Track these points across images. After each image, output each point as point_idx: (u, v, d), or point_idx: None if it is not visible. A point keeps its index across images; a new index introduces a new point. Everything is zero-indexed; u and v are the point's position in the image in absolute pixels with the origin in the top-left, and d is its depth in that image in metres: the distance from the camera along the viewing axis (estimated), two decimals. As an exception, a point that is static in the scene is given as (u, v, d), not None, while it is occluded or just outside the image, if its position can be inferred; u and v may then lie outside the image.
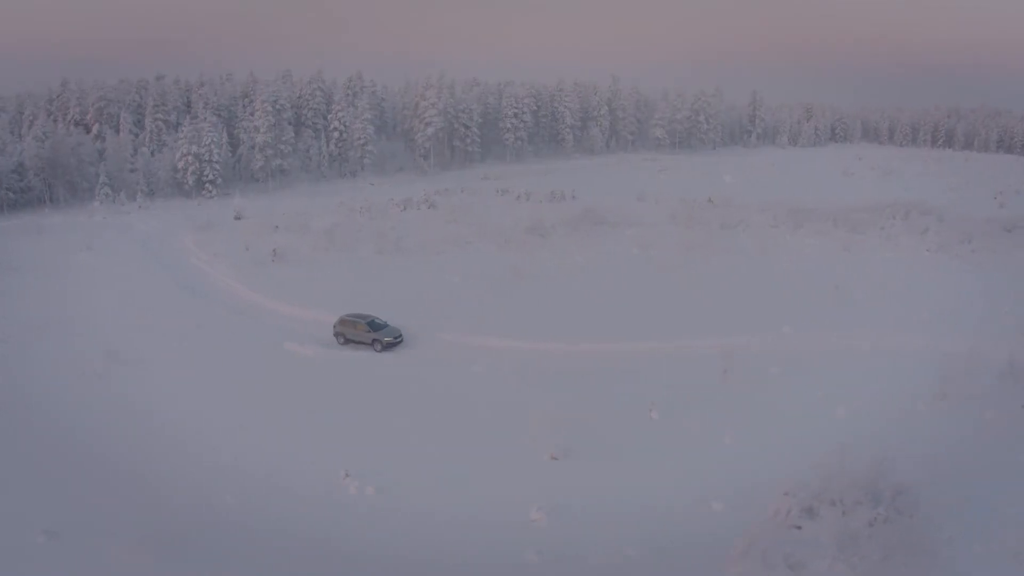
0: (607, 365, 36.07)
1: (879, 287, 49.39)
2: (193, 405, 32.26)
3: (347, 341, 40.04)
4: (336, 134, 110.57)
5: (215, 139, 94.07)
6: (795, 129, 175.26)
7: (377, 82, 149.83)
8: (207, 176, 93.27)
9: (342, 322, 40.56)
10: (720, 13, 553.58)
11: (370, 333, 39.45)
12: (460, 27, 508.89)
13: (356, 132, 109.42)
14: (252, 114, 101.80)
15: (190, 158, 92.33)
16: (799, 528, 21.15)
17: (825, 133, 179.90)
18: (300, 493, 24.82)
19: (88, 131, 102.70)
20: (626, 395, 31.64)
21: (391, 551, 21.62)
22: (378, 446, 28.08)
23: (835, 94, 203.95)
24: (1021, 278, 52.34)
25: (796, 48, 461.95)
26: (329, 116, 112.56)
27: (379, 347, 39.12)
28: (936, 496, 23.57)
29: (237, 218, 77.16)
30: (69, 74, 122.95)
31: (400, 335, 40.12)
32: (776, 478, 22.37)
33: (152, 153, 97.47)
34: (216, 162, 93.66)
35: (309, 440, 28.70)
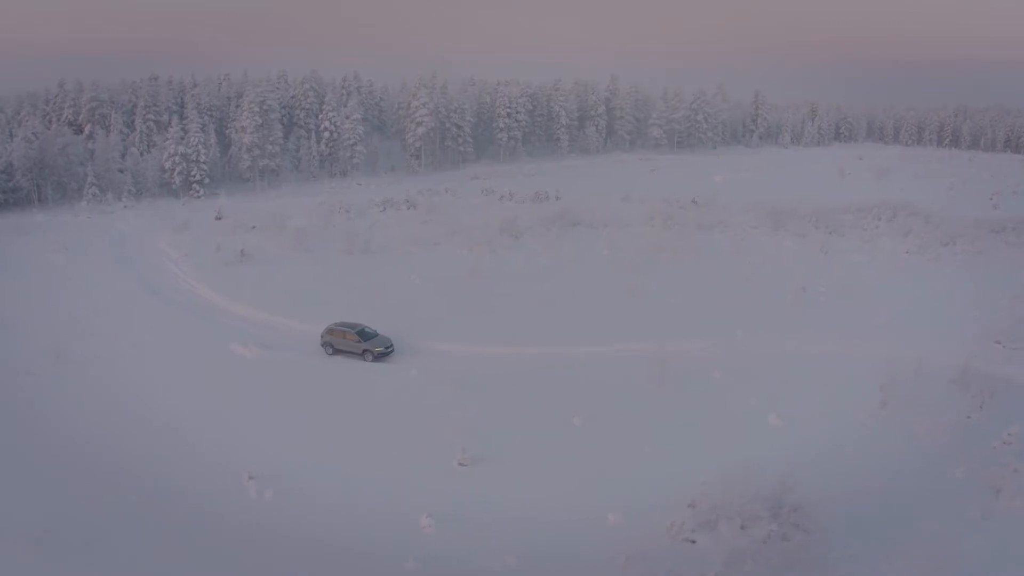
0: (546, 368, 35.57)
1: (847, 291, 48.38)
2: (125, 405, 32.10)
3: (336, 351, 37.93)
4: (327, 134, 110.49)
5: (202, 139, 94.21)
6: (798, 128, 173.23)
7: (376, 82, 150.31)
8: (194, 176, 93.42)
9: (330, 332, 38.53)
10: (723, 11, 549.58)
11: (360, 343, 37.56)
12: (469, 26, 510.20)
13: (346, 132, 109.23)
14: (240, 115, 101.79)
15: (177, 158, 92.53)
16: (693, 542, 20.54)
17: (829, 132, 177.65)
18: (202, 492, 24.59)
19: (80, 131, 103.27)
20: (555, 400, 31.09)
21: (277, 555, 21.20)
22: (293, 450, 27.76)
23: (840, 93, 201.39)
24: (998, 281, 51.02)
25: (800, 46, 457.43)
26: (320, 116, 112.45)
27: (370, 357, 37.19)
28: (850, 511, 22.94)
29: (218, 218, 77.11)
30: (74, 74, 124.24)
31: (391, 344, 38.12)
32: (685, 490, 21.67)
33: (141, 153, 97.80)
34: (203, 162, 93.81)
35: (227, 441, 28.41)
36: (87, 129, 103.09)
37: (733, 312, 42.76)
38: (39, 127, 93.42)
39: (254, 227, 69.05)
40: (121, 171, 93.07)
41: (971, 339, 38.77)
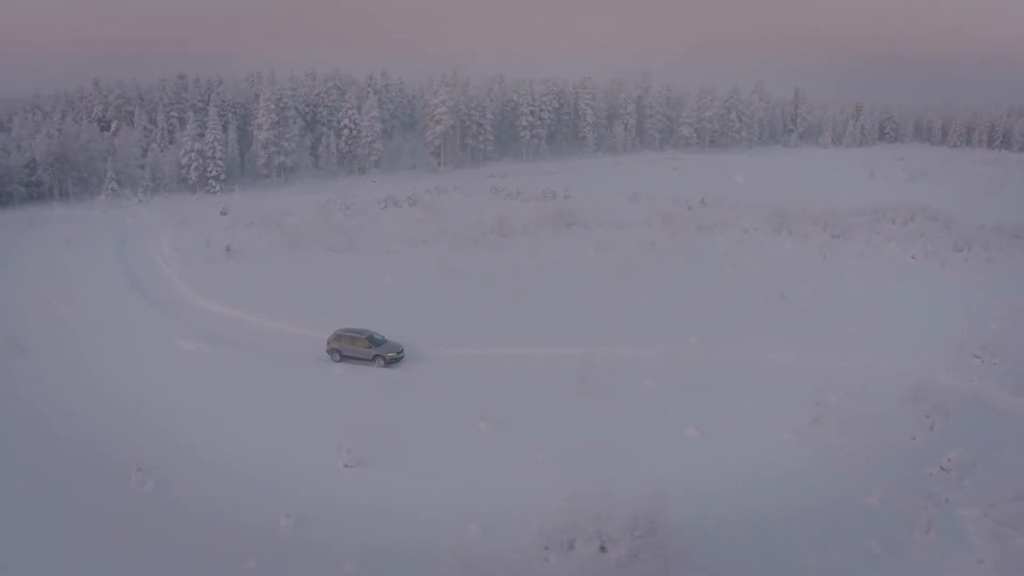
0: (474, 370, 34.87)
1: (833, 297, 45.96)
2: (54, 392, 32.67)
3: (343, 358, 36.52)
4: (346, 131, 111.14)
5: (219, 136, 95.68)
6: (840, 128, 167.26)
7: (409, 81, 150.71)
8: (210, 172, 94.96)
9: (337, 338, 36.99)
10: (764, 8, 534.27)
11: (371, 349, 36.17)
12: (502, 25, 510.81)
13: (364, 130, 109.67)
14: (258, 112, 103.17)
15: (193, 155, 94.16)
16: (545, 560, 19.29)
17: (873, 133, 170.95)
18: (87, 481, 24.75)
19: (107, 128, 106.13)
20: (471, 403, 30.10)
21: (139, 542, 21.12)
22: (189, 442, 27.63)
23: (886, 91, 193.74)
24: (1001, 290, 47.74)
25: (845, 42, 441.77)
26: (339, 114, 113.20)
27: (381, 363, 35.82)
28: (733, 537, 21.36)
29: (223, 213, 78.07)
30: (114, 72, 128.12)
31: (402, 350, 36.81)
32: (561, 503, 20.36)
33: (162, 149, 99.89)
34: (219, 159, 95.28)
35: (129, 431, 28.49)
36: (113, 125, 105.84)
37: (696, 317, 40.94)
38: (62, 123, 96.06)
39: (252, 223, 69.53)
40: (140, 167, 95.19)
41: (949, 351, 36.16)
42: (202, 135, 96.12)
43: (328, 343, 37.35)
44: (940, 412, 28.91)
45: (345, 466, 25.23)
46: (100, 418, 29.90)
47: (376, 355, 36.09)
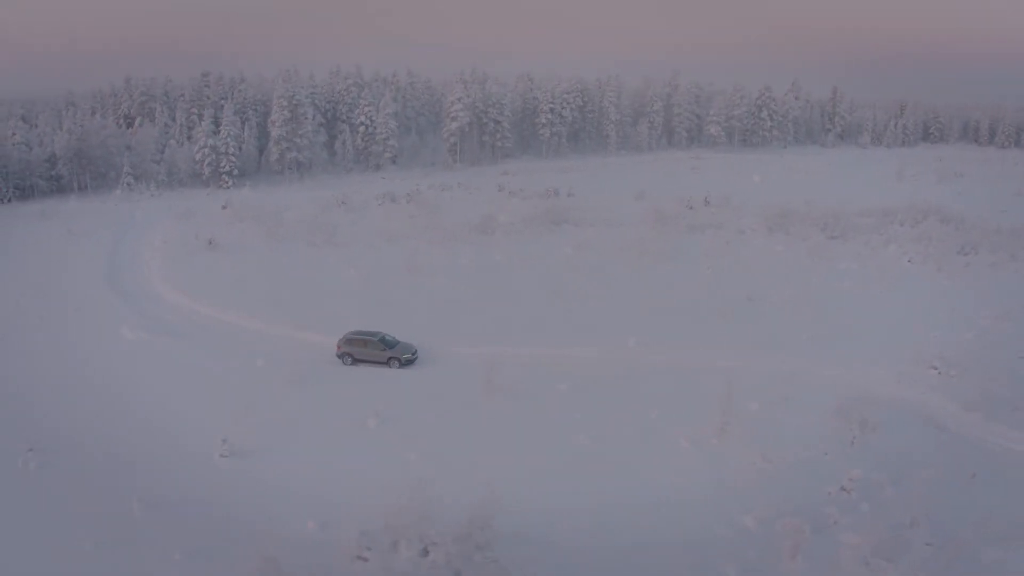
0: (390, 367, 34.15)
1: (803, 300, 43.57)
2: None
3: (356, 361, 35.04)
4: (362, 128, 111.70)
5: (233, 133, 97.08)
6: (880, 128, 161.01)
7: (436, 79, 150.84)
8: (223, 168, 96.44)
9: (349, 342, 35.35)
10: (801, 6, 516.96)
11: (386, 351, 34.81)
12: (531, 21, 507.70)
13: (380, 127, 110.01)
14: (272, 109, 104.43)
15: (207, 150, 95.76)
16: (365, 560, 18.44)
17: (916, 133, 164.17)
18: None
19: (131, 124, 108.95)
20: (371, 399, 29.41)
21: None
22: (88, 430, 27.70)
23: (934, 90, 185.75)
24: (991, 297, 44.71)
25: (887, 37, 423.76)
26: (356, 111, 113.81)
27: (396, 365, 34.47)
28: (576, 549, 20.03)
29: (224, 207, 79.09)
30: (147, 71, 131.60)
31: (415, 351, 35.54)
32: (401, 503, 19.42)
33: (180, 145, 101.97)
34: (232, 155, 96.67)
35: (30, 413, 28.66)
36: (136, 122, 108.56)
37: (648, 319, 39.32)
38: (84, 120, 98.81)
39: (247, 218, 70.16)
40: (156, 162, 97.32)
41: (905, 361, 33.77)
42: (217, 132, 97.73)
43: (339, 347, 35.43)
44: (865, 427, 26.81)
45: (221, 456, 24.89)
46: (11, 402, 30.26)
47: (391, 357, 34.59)
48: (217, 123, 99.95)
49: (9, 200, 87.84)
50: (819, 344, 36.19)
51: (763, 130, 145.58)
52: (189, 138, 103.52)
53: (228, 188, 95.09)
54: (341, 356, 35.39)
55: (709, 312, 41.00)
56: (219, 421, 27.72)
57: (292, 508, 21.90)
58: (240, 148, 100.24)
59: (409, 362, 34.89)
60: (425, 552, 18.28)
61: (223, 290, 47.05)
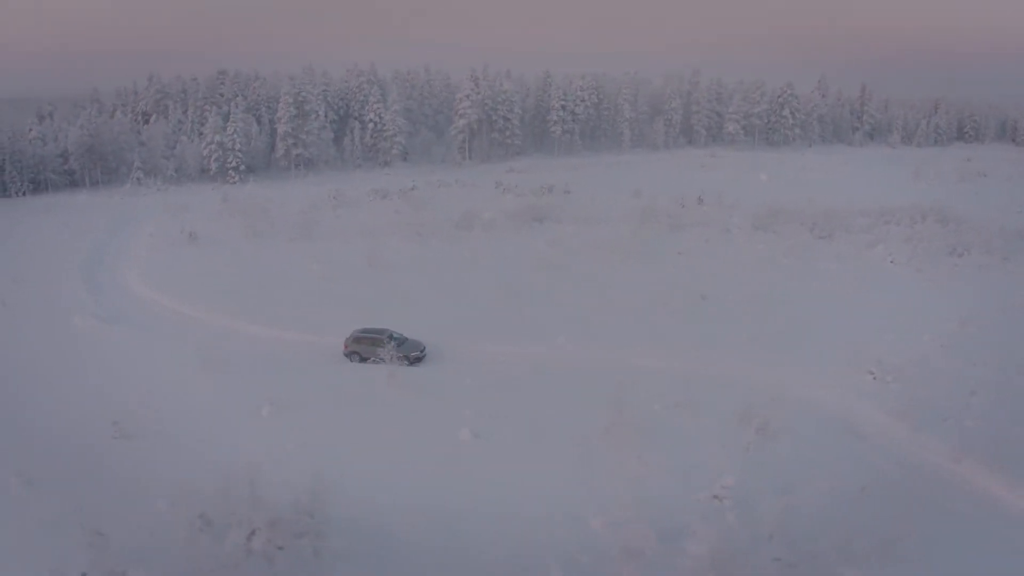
0: (306, 356, 34.56)
1: (761, 300, 42.18)
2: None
3: (363, 360, 33.93)
4: (371, 125, 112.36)
5: (240, 129, 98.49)
6: (911, 127, 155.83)
7: (454, 76, 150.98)
8: (230, 163, 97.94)
9: (357, 340, 34.36)
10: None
11: (394, 349, 33.41)
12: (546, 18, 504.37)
13: (388, 124, 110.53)
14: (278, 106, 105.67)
15: (214, 146, 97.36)
16: (195, 544, 18.33)
17: (950, 132, 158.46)
18: None
19: (147, 121, 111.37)
20: (274, 388, 29.72)
21: None
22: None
23: (970, 88, 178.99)
24: (966, 300, 42.64)
25: (925, 38, 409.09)
26: (365, 108, 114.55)
27: (407, 363, 33.51)
28: (409, 541, 19.67)
29: (224, 201, 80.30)
30: (170, 69, 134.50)
31: (424, 348, 34.72)
32: (270, 492, 19.32)
33: (191, 140, 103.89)
34: (239, 150, 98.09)
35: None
36: (152, 119, 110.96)
37: (588, 317, 38.61)
38: (98, 116, 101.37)
39: (237, 213, 71.03)
40: (166, 158, 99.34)
41: (840, 365, 32.37)
42: (225, 128, 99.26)
43: (346, 345, 34.44)
44: (765, 433, 25.69)
45: (113, 438, 25.39)
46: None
47: (401, 355, 33.53)
48: (227, 120, 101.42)
49: (23, 194, 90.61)
50: (757, 345, 34.97)
51: (785, 128, 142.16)
52: (200, 134, 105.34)
53: (234, 183, 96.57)
54: (348, 355, 34.29)
55: (661, 311, 40.00)
56: (123, 405, 28.07)
57: (158, 489, 21.73)
58: (249, 144, 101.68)
59: (418, 360, 33.91)
60: (248, 537, 18.15)
61: (187, 283, 47.81)
